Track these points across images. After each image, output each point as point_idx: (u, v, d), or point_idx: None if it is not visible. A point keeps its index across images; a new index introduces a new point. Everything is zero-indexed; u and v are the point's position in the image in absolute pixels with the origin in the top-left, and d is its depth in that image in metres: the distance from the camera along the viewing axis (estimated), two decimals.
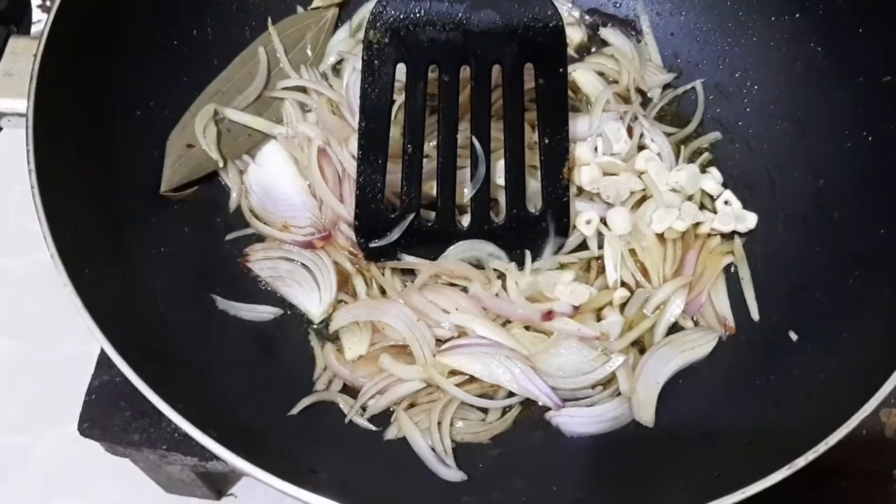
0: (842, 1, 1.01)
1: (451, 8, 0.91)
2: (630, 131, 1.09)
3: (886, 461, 0.99)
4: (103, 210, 0.91)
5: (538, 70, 0.95)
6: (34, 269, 1.29)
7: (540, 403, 0.95)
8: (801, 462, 0.72)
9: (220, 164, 1.04)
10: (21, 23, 1.00)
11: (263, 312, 0.99)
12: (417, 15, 0.91)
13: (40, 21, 0.92)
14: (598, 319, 1.00)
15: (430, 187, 0.99)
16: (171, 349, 0.88)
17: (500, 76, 0.95)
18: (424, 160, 0.97)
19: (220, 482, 1.16)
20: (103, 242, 0.89)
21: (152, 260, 0.94)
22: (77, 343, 1.20)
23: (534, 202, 1.01)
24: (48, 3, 1.34)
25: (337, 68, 1.15)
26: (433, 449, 0.91)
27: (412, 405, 0.95)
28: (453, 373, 0.95)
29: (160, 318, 0.90)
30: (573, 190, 1.05)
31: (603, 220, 1.04)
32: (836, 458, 0.93)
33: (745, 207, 1.07)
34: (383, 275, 1.01)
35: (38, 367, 1.24)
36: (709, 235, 1.06)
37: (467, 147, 0.97)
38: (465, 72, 0.94)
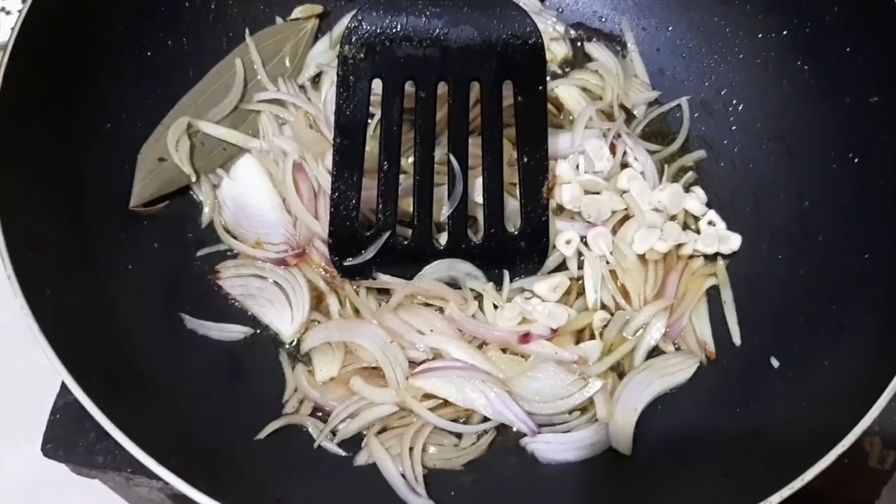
0: (830, 19, 0.99)
1: (429, 23, 0.89)
2: (613, 149, 1.07)
3: (868, 490, 0.97)
4: (69, 226, 0.89)
5: (517, 87, 0.93)
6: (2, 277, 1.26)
7: (515, 429, 0.93)
8: (775, 500, 0.70)
9: (193, 179, 1.02)
10: None
11: (233, 332, 0.97)
12: (394, 30, 0.89)
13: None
14: (577, 342, 0.98)
15: (408, 204, 0.97)
16: (135, 372, 0.85)
17: (478, 92, 0.93)
18: (402, 176, 0.95)
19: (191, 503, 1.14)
20: (67, 260, 0.86)
21: (119, 278, 0.92)
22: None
23: (513, 221, 0.99)
24: (7, 8, 1.30)
25: (316, 81, 1.13)
26: (403, 476, 0.88)
27: (384, 430, 0.93)
28: (427, 396, 0.93)
29: (125, 340, 0.87)
30: (553, 208, 1.03)
31: (583, 240, 1.02)
32: (818, 486, 0.91)
33: (728, 228, 1.05)
34: (357, 294, 0.99)
35: (7, 380, 1.21)
36: (691, 257, 1.04)
37: (445, 164, 0.95)
38: (443, 88, 0.92)
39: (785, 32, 1.05)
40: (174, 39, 1.06)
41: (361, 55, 0.90)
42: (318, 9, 1.16)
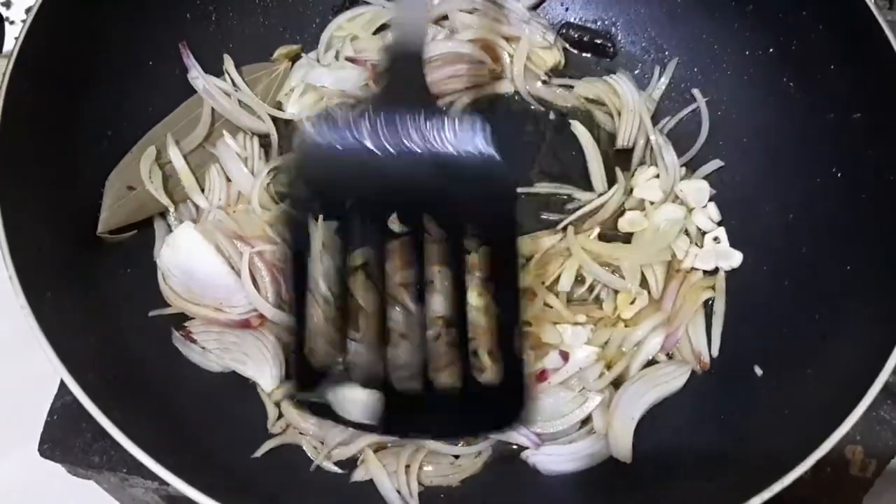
0: (815, 37, 1.01)
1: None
2: None
3: (850, 498, 0.99)
4: (69, 231, 0.90)
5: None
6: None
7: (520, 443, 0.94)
8: (755, 501, 0.72)
9: (172, 209, 1.01)
10: None
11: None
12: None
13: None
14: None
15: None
16: (132, 373, 0.87)
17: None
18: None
19: None
20: (68, 263, 0.88)
21: (118, 282, 0.94)
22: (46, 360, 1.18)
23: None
24: (11, 18, 1.31)
25: None
26: (398, 492, 0.89)
27: (381, 447, 0.92)
28: None
29: (123, 342, 0.89)
30: None
31: None
32: (802, 494, 0.93)
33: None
34: None
35: (6, 382, 1.22)
36: (691, 270, 1.05)
37: None
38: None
39: (771, 50, 1.07)
40: (175, 53, 1.07)
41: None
42: (297, 48, 1.17)
